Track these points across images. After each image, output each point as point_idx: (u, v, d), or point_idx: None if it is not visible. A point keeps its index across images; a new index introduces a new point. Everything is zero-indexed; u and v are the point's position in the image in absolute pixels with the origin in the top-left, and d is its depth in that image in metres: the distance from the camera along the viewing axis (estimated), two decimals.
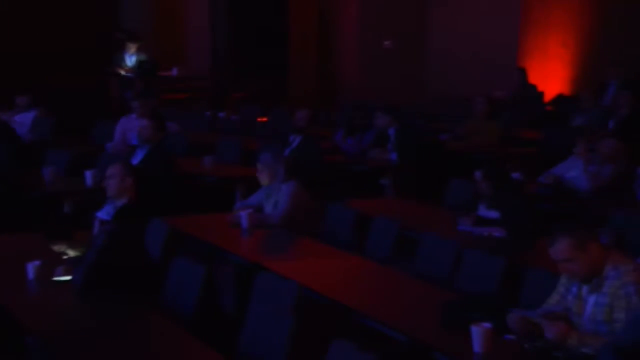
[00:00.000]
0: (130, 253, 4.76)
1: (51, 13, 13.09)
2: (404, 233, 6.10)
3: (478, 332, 3.86)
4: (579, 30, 14.37)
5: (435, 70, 14.89)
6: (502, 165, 6.66)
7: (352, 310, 4.56)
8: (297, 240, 6.08)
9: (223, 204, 7.12)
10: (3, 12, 12.95)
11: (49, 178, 7.82)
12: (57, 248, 5.27)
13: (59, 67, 12.86)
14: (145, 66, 13.07)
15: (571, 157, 7.87)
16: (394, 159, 9.14)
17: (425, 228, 6.13)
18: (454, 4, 14.71)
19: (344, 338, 3.56)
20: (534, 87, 13.39)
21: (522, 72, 13.26)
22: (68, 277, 4.75)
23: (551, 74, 14.45)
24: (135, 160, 7.85)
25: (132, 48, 13.20)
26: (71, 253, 5.19)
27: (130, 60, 13.20)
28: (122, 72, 13.18)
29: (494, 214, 6.29)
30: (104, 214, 5.82)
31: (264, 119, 12.33)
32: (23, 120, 10.44)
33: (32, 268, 4.77)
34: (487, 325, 3.87)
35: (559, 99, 13.40)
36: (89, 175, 7.71)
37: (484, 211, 6.38)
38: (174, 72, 14.40)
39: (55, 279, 4.77)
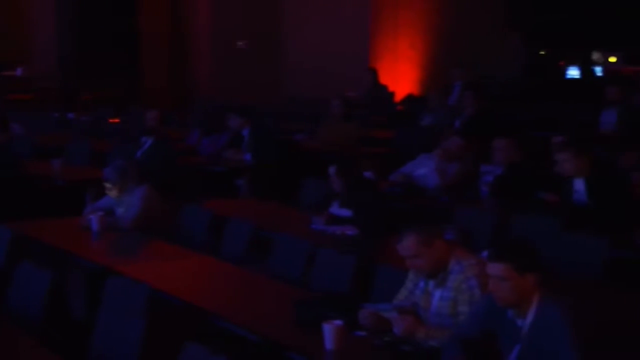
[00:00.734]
0: None
1: None
2: (259, 233, 6.11)
3: (329, 329, 3.91)
4: (426, 33, 14.84)
5: (291, 71, 15.00)
6: (355, 164, 6.77)
7: (207, 312, 4.54)
8: (149, 243, 5.98)
9: (73, 207, 6.92)
10: None
11: None
12: None
13: None
14: None
15: (420, 155, 8.09)
16: (248, 160, 9.14)
17: (279, 228, 6.17)
18: (307, 7, 14.86)
19: (199, 341, 3.53)
20: (385, 87, 13.70)
21: (374, 73, 13.54)
22: None
23: (401, 75, 14.85)
24: None
25: None
26: None
27: None
28: None
29: (346, 212, 6.39)
30: None
31: (116, 120, 12.05)
32: None
33: None
34: (338, 322, 3.93)
35: (409, 99, 13.77)
36: None
37: (337, 209, 6.47)
38: (18, 72, 13.84)
39: None
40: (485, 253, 4.19)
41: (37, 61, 14.85)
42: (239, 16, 15.00)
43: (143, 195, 6.36)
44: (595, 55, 16.28)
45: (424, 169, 7.85)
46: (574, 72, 16.47)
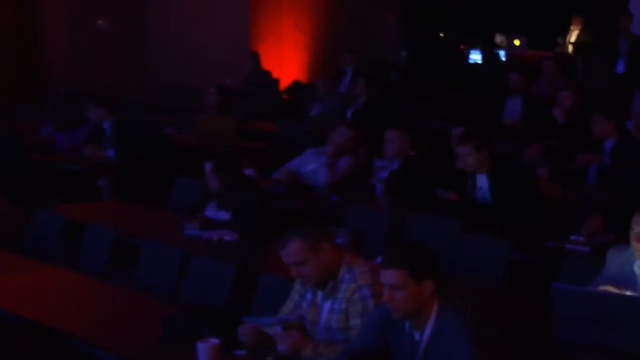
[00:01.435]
0: None
1: None
2: (124, 241, 6.04)
3: (204, 349, 3.88)
4: (313, 13, 14.94)
5: (159, 56, 14.80)
6: (234, 160, 6.73)
7: (58, 332, 4.44)
8: None
9: None
10: None
11: None
12: None
13: None
14: None
15: (308, 150, 8.13)
16: (111, 157, 8.98)
17: (147, 234, 6.11)
18: None
19: None
20: (268, 73, 13.70)
21: (255, 58, 13.53)
22: None
23: (286, 60, 14.88)
24: None
25: None
26: None
27: None
28: None
29: (225, 214, 6.35)
30: None
31: None
32: None
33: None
34: (214, 340, 3.90)
35: (295, 86, 13.82)
36: None
37: (213, 212, 6.42)
38: None
39: None
40: (379, 259, 4.23)
41: None
42: None
43: None
44: (499, 38, 16.74)
45: (312, 165, 7.89)
46: (476, 57, 16.89)
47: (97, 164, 8.92)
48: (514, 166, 7.02)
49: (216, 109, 10.00)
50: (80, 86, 13.14)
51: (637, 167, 6.57)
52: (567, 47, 14.50)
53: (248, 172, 7.10)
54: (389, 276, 3.67)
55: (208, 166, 6.40)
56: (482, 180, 6.61)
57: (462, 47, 17.07)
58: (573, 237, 5.76)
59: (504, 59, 16.43)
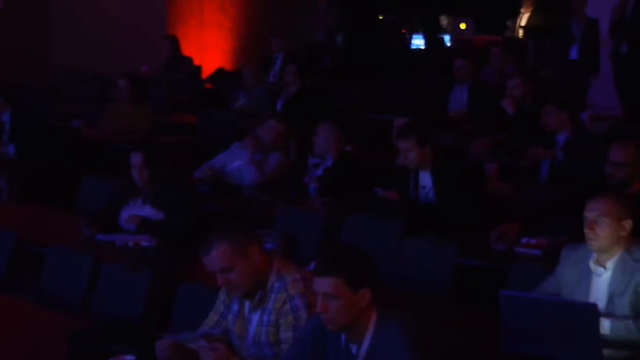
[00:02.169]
0: None
1: None
2: (25, 248, 6.00)
3: None
4: None
5: (63, 40, 14.62)
6: (164, 152, 6.75)
7: None
8: None
9: None
10: None
11: None
12: None
13: None
14: None
15: (234, 144, 8.13)
16: (11, 153, 8.89)
17: (52, 240, 6.07)
18: None
19: None
20: (189, 60, 13.66)
21: (174, 42, 13.47)
22: None
23: (209, 45, 14.85)
24: None
25: None
26: None
27: None
28: None
29: (150, 211, 6.34)
30: None
31: None
32: None
33: None
34: (129, 358, 3.90)
35: (219, 74, 13.79)
36: None
37: (136, 209, 6.40)
38: None
39: None
40: (313, 265, 4.26)
41: None
42: None
43: None
44: (445, 21, 16.91)
45: (238, 162, 7.90)
46: (418, 42, 17.03)
47: None
48: (459, 162, 7.11)
49: (129, 98, 9.93)
50: None
51: (593, 162, 6.69)
52: (517, 31, 14.72)
53: None
54: (323, 284, 3.69)
55: (137, 157, 6.39)
56: (425, 178, 6.67)
57: (403, 30, 17.21)
58: (524, 240, 5.87)
59: (448, 44, 16.60)
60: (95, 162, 8.58)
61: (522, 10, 14.69)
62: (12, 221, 6.64)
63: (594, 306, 4.07)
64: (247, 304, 4.21)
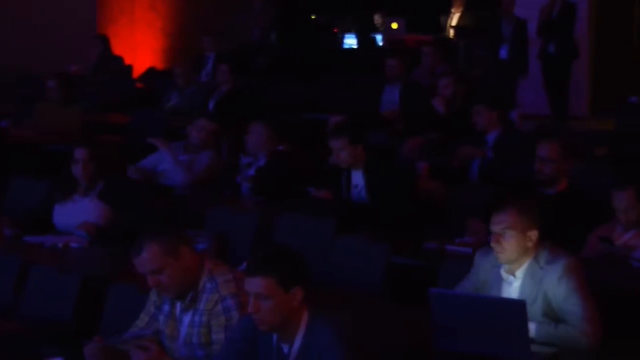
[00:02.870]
0: None
1: None
2: None
3: None
4: None
5: None
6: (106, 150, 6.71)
7: None
8: None
9: None
10: None
11: None
12: None
13: None
14: None
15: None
16: None
17: None
18: None
19: None
20: (120, 59, 13.53)
21: (104, 41, 13.33)
22: None
23: (140, 44, 14.74)
24: None
25: None
26: None
27: None
28: None
29: (89, 204, 6.28)
30: None
31: None
32: None
33: None
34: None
35: (151, 73, 13.69)
36: None
37: (77, 204, 6.34)
38: None
39: None
40: (245, 265, 4.25)
41: None
42: None
43: None
44: (378, 21, 16.97)
45: (169, 162, 7.83)
46: (351, 41, 17.09)
47: None
48: (391, 161, 7.15)
49: (59, 98, 9.82)
50: None
51: (522, 161, 6.79)
52: (449, 31, 14.85)
53: None
54: (255, 284, 3.69)
55: (81, 152, 6.33)
56: (358, 177, 6.70)
57: (335, 30, 17.25)
58: (458, 240, 5.93)
59: (381, 43, 16.67)
60: (23, 162, 8.45)
61: (452, 10, 14.83)
62: None
63: (522, 303, 4.12)
64: (178, 305, 4.20)
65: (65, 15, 13.88)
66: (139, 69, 13.96)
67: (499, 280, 4.50)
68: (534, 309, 4.30)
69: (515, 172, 7.01)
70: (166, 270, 4.07)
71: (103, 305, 4.83)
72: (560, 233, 4.91)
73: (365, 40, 16.82)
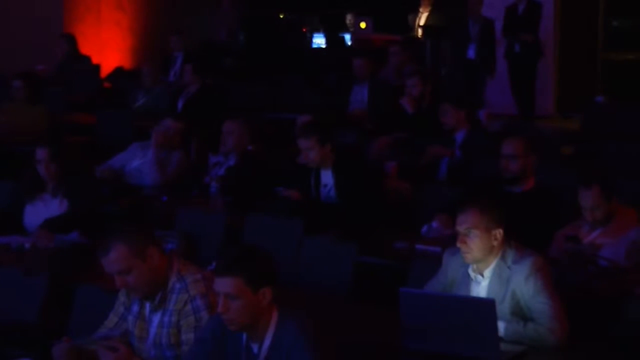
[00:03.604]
0: None
1: None
2: None
3: None
4: None
5: None
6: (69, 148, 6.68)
7: None
8: None
9: None
10: None
11: None
12: None
13: None
14: None
15: (134, 144, 8.05)
16: None
17: None
18: None
19: None
20: (87, 58, 13.45)
21: (71, 40, 13.24)
22: None
23: (107, 43, 14.66)
24: None
25: None
26: None
27: None
28: None
29: (57, 205, 6.25)
30: None
31: None
32: None
33: None
34: None
35: (118, 73, 13.62)
36: None
37: (44, 206, 6.30)
38: None
39: None
40: (214, 265, 4.24)
41: None
42: None
43: None
44: (347, 20, 16.98)
45: (138, 162, 7.81)
46: (319, 40, 17.10)
47: None
48: (360, 160, 7.15)
49: (24, 99, 9.74)
50: None
51: (488, 160, 6.83)
52: (417, 31, 14.88)
53: None
54: (223, 284, 3.69)
55: (42, 153, 6.32)
56: (327, 177, 6.70)
57: (304, 29, 17.25)
58: (424, 229, 5.94)
59: (349, 42, 16.69)
60: None
61: (420, 9, 14.85)
62: None
63: (491, 302, 4.13)
64: (147, 305, 4.19)
65: (31, 14, 13.78)
66: (106, 69, 13.88)
67: (467, 279, 4.52)
68: (503, 308, 4.32)
69: (482, 171, 7.04)
70: (133, 271, 4.05)
71: (70, 306, 4.80)
72: (526, 231, 4.93)
73: (333, 39, 16.83)
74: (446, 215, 5.90)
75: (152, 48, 14.40)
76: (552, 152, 8.18)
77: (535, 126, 10.27)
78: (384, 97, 9.83)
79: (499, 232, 4.42)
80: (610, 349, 4.41)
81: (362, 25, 16.39)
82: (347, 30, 16.95)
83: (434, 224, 6.02)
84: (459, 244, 4.44)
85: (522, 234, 4.59)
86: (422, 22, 14.81)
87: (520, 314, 4.35)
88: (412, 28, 15.16)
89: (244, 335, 3.78)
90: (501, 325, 4.26)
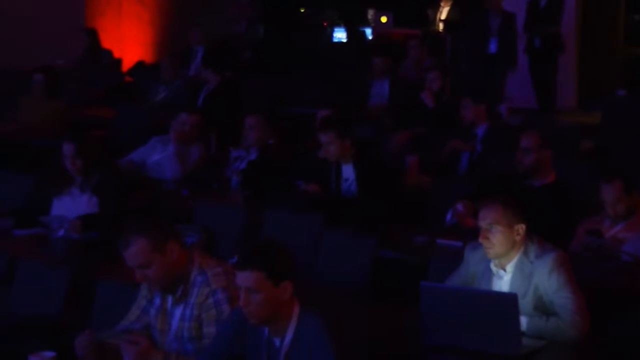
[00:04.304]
0: None
1: None
2: None
3: None
4: None
5: None
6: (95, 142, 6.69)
7: None
8: None
9: None
10: None
11: None
12: None
13: None
14: None
15: (154, 138, 8.06)
16: None
17: None
18: None
19: None
20: (108, 52, 13.50)
21: (92, 35, 13.30)
22: None
23: (128, 37, 14.70)
24: None
25: None
26: None
27: None
28: None
29: (85, 201, 6.26)
30: None
31: None
32: None
33: None
34: (49, 354, 3.86)
35: (139, 67, 13.65)
36: None
37: (71, 201, 6.32)
38: None
39: None
40: (235, 258, 4.24)
41: None
42: None
43: None
44: (370, 14, 16.97)
45: (158, 155, 7.82)
46: (340, 35, 17.09)
47: None
48: (380, 155, 7.15)
49: (44, 94, 9.79)
50: None
51: (510, 154, 6.80)
52: (438, 25, 14.84)
53: None
54: (245, 278, 3.69)
55: (68, 148, 6.32)
56: (348, 171, 6.70)
57: (325, 24, 17.25)
58: (448, 216, 5.94)
59: (370, 37, 16.67)
60: (7, 156, 8.43)
61: (442, 3, 14.82)
62: None
63: (514, 297, 4.13)
64: (169, 299, 4.19)
65: (53, 8, 13.82)
66: (127, 63, 13.92)
67: (489, 274, 4.51)
68: (525, 303, 4.31)
69: (501, 165, 7.02)
70: (153, 265, 4.06)
71: (92, 300, 4.82)
72: (546, 225, 4.92)
73: (354, 34, 16.82)
74: (469, 201, 5.90)
75: (172, 42, 14.42)
76: (572, 147, 8.15)
77: (555, 120, 10.23)
78: (405, 92, 9.82)
79: (521, 228, 4.41)
80: (630, 345, 4.39)
81: (383, 19, 16.36)
82: (367, 25, 16.92)
83: (459, 206, 5.99)
84: (481, 239, 4.43)
85: (540, 228, 4.58)
86: (443, 16, 14.77)
87: (542, 308, 4.34)
88: (431, 22, 15.13)
89: (266, 330, 3.78)
90: (523, 320, 4.25)
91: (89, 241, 5.99)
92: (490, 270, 4.51)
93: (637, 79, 12.99)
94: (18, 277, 5.20)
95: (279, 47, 14.93)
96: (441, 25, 14.71)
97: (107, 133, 9.82)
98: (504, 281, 4.47)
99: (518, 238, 4.42)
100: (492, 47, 11.61)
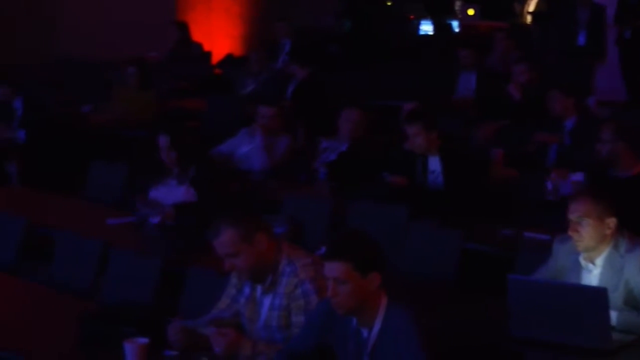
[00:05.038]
0: None
1: None
2: (35, 232, 5.98)
3: (132, 349, 3.88)
4: None
5: (68, 26, 14.50)
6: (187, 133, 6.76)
7: None
8: None
9: None
10: None
11: None
12: None
13: None
14: None
15: (243, 130, 8.11)
16: (22, 138, 8.88)
17: (63, 224, 6.06)
18: None
19: None
20: (199, 45, 13.61)
21: (183, 28, 13.42)
22: None
23: (217, 30, 14.80)
24: None
25: None
26: None
27: None
28: None
29: (182, 192, 6.33)
30: None
31: None
32: None
33: None
34: (142, 340, 3.90)
35: (228, 60, 13.74)
36: None
37: (168, 191, 6.38)
38: None
39: None
40: (323, 249, 4.25)
41: None
42: None
43: None
44: (457, 6, 16.86)
45: (247, 147, 7.87)
46: (427, 27, 17.00)
47: (4, 146, 8.80)
48: (466, 147, 7.09)
49: (136, 84, 9.92)
50: None
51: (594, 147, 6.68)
52: (525, 17, 14.66)
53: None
54: (332, 269, 3.69)
55: (163, 140, 6.38)
56: (435, 163, 6.66)
57: (411, 17, 17.17)
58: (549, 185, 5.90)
59: (457, 29, 16.55)
60: (101, 147, 8.56)
61: None
62: (22, 206, 6.65)
63: (603, 291, 4.06)
64: (258, 288, 4.21)
65: (145, 2, 14.00)
66: (217, 56, 14.02)
67: (578, 267, 4.44)
68: (615, 297, 4.24)
69: (588, 157, 6.90)
70: (241, 254, 4.08)
71: (182, 288, 4.87)
72: (634, 216, 4.82)
73: (441, 26, 16.71)
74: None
75: (260, 35, 14.47)
76: None
77: None
78: (492, 84, 9.72)
79: (612, 221, 4.34)
80: None
81: (470, 12, 16.24)
82: (454, 17, 16.79)
83: (553, 174, 5.94)
84: (570, 232, 4.37)
85: (629, 219, 4.49)
86: (530, 9, 14.60)
87: (632, 303, 4.27)
88: (518, 14, 14.96)
89: (354, 320, 3.78)
90: (613, 315, 4.18)
91: (183, 229, 6.04)
92: (579, 263, 4.44)
93: None
94: (111, 265, 5.28)
95: (366, 41, 14.88)
96: (528, 18, 14.53)
97: (198, 124, 9.91)
98: (593, 275, 4.40)
99: (608, 232, 4.35)
100: (581, 39, 11.42)
